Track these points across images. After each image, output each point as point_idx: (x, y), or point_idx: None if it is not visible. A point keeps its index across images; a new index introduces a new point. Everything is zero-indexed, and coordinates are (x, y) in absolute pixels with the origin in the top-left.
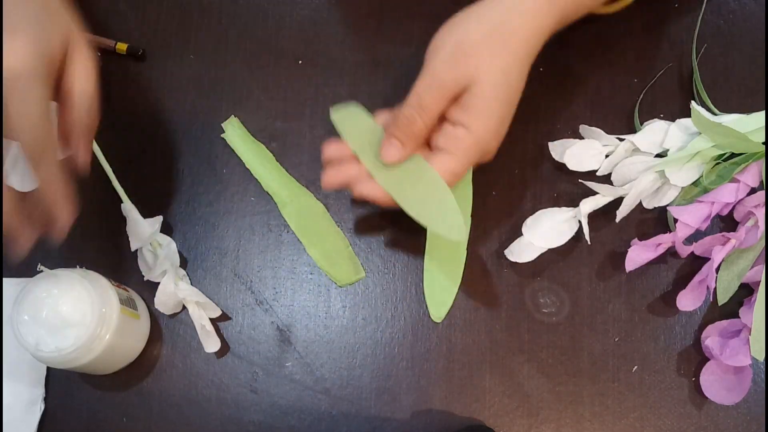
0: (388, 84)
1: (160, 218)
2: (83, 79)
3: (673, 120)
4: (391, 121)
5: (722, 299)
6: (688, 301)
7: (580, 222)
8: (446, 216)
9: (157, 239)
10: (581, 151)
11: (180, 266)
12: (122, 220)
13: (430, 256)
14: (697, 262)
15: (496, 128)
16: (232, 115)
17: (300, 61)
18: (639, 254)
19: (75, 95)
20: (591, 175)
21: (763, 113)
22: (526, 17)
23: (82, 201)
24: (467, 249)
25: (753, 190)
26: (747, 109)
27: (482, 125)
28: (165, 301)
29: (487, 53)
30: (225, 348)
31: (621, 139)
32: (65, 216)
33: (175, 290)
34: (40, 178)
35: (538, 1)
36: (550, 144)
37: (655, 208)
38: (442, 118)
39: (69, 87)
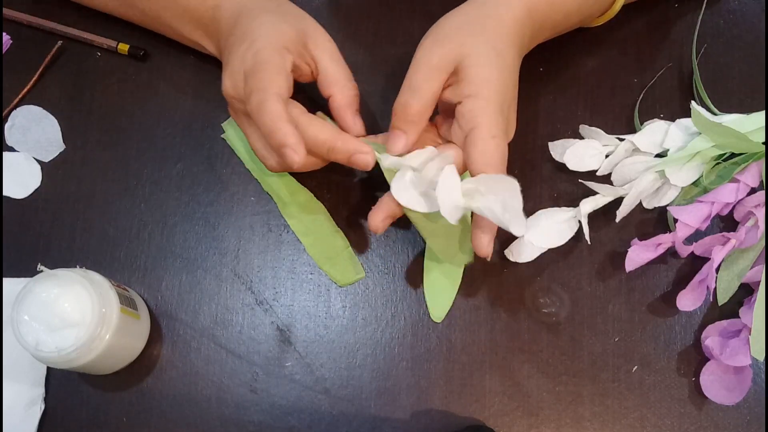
0: (388, 84)
1: None
2: (327, 57)
3: (673, 120)
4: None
5: (722, 299)
6: (688, 301)
7: (580, 222)
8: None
9: None
10: (581, 151)
11: (180, 266)
12: (122, 220)
13: (430, 255)
14: (697, 262)
15: (502, 92)
16: None
17: None
18: (639, 254)
19: (324, 72)
20: (591, 175)
21: (763, 113)
22: (503, 8)
23: (81, 201)
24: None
25: (753, 190)
26: (747, 109)
27: (486, 88)
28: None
29: (468, 32)
30: (225, 348)
31: (621, 139)
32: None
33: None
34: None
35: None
36: (550, 144)
37: (655, 208)
38: (451, 114)
39: (319, 66)
